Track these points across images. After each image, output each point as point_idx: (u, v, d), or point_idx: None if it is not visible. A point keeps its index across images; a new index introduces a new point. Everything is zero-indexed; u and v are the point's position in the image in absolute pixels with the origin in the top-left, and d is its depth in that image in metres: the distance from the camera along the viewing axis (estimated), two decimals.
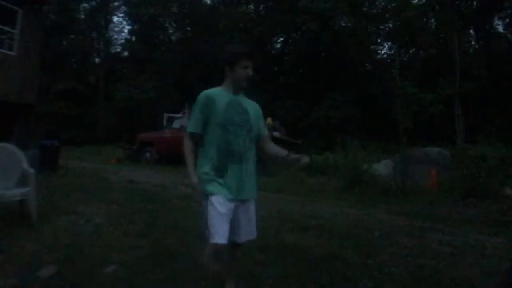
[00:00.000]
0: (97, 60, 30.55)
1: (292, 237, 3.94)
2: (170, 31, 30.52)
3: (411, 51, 27.40)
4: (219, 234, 1.94)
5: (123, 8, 30.12)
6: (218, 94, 2.15)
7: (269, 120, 11.43)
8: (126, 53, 30.94)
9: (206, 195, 2.03)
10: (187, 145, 2.14)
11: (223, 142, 2.07)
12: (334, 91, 21.77)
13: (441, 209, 5.92)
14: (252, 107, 2.23)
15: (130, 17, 29.57)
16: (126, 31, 31.37)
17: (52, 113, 21.21)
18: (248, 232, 2.20)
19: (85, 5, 29.52)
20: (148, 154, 13.03)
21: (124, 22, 33.04)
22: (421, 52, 26.60)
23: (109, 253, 3.16)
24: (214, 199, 2.00)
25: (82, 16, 29.67)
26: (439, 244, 3.98)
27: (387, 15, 25.44)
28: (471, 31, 24.85)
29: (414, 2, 24.19)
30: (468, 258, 3.52)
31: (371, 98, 21.82)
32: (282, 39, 27.93)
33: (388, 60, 26.84)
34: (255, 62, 2.13)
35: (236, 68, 2.11)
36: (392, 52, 26.35)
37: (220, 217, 1.97)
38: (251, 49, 2.18)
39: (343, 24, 23.98)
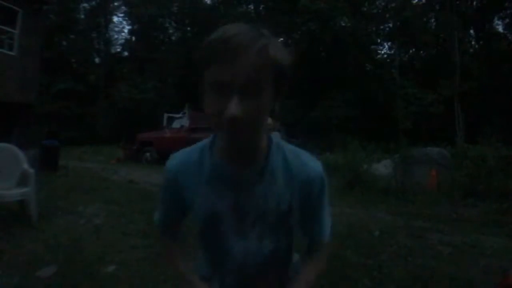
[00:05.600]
0: (97, 60, 30.60)
1: None
2: (170, 31, 30.55)
3: (411, 51, 27.43)
4: None
5: (123, 8, 30.21)
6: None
7: (270, 120, 11.44)
8: (126, 53, 30.99)
9: None
10: None
11: None
12: (334, 91, 21.79)
13: (441, 209, 5.91)
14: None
15: (130, 17, 29.60)
16: (126, 31, 31.58)
17: (52, 113, 21.21)
18: None
19: (85, 5, 29.61)
20: (148, 154, 13.03)
21: (124, 22, 33.22)
22: (421, 52, 26.63)
23: (109, 253, 3.16)
24: None
25: (82, 16, 29.73)
26: (439, 244, 3.98)
27: (387, 15, 25.46)
28: (471, 31, 24.87)
29: (414, 2, 24.25)
30: (468, 258, 3.52)
31: (371, 98, 21.83)
32: (282, 39, 27.94)
33: (388, 60, 26.86)
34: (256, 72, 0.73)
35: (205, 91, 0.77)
36: (392, 52, 26.38)
37: None
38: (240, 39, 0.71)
39: (343, 24, 24.00)
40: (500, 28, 24.39)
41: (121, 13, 30.63)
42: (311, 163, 0.89)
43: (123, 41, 31.40)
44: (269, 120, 13.35)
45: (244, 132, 0.75)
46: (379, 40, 27.62)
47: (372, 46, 26.96)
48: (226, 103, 0.71)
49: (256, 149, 0.83)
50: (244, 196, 0.85)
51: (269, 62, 0.73)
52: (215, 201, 0.87)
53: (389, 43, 27.12)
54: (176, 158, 0.93)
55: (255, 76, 0.71)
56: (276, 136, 0.90)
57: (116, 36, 31.44)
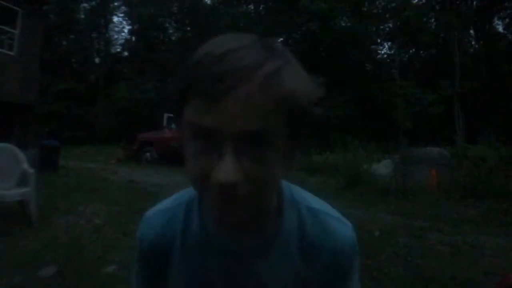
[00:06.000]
0: (97, 60, 30.61)
1: None
2: (170, 31, 30.57)
3: (411, 51, 27.45)
4: None
5: (123, 8, 30.23)
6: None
7: None
8: (126, 53, 31.00)
9: None
10: None
11: None
12: (334, 91, 21.78)
13: (441, 209, 5.91)
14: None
15: (130, 17, 29.62)
16: (126, 31, 31.62)
17: (52, 113, 21.23)
18: None
19: (85, 5, 29.64)
20: (148, 154, 13.04)
21: (124, 22, 33.21)
22: (421, 52, 26.64)
23: (109, 253, 3.16)
24: None
25: (82, 16, 29.76)
26: (439, 244, 3.98)
27: (387, 15, 25.47)
28: (471, 31, 24.88)
29: (414, 2, 24.25)
30: (468, 258, 3.52)
31: (371, 98, 21.83)
32: (282, 39, 27.96)
33: (388, 60, 26.87)
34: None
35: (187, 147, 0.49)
36: (392, 52, 26.39)
37: None
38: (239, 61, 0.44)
39: (343, 24, 24.01)
40: (500, 28, 24.45)
41: (121, 13, 30.69)
42: (338, 230, 0.63)
43: (123, 41, 31.48)
44: None
45: (242, 205, 0.47)
46: (379, 40, 27.64)
47: (372, 46, 26.98)
48: (214, 162, 0.44)
49: (260, 219, 0.58)
50: (241, 270, 0.61)
51: (283, 97, 0.45)
52: (203, 270, 0.64)
53: (389, 43, 27.16)
54: (156, 220, 0.69)
55: (260, 121, 0.43)
56: (289, 187, 0.65)
57: (116, 36, 31.51)
